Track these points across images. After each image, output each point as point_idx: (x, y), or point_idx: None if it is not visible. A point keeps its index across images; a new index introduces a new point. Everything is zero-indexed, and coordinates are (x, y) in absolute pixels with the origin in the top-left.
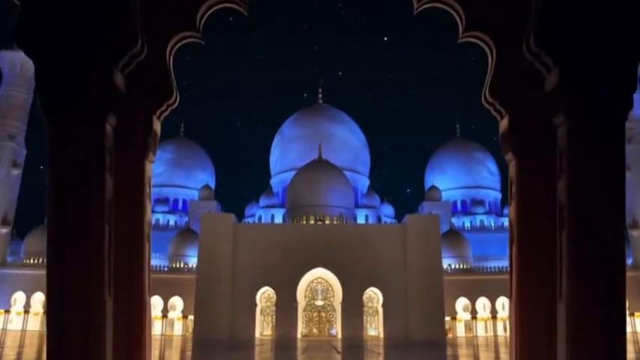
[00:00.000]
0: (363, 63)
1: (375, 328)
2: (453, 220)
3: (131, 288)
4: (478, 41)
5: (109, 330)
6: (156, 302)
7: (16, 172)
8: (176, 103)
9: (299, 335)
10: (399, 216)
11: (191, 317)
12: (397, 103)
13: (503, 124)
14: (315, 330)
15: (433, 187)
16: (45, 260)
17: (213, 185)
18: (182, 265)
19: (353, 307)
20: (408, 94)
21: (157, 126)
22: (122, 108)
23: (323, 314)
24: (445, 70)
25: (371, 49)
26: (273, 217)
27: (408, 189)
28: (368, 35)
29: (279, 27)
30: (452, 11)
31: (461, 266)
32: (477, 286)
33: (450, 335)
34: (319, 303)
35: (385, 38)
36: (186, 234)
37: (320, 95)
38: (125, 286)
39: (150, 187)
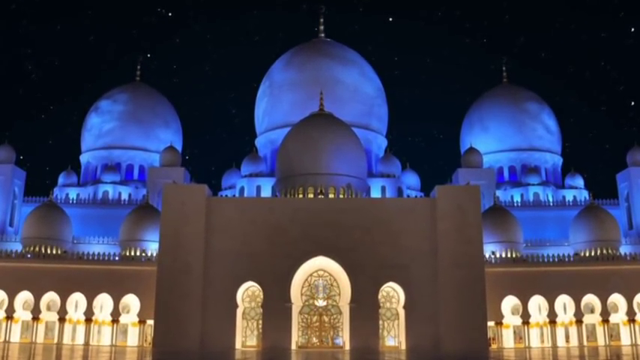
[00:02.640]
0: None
1: (394, 337)
2: (498, 193)
3: None
4: None
5: None
6: (104, 302)
7: None
8: None
9: (293, 346)
10: (426, 187)
11: (150, 322)
12: (424, 45)
13: None
14: (314, 339)
15: (472, 150)
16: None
17: (179, 147)
18: (138, 253)
19: (365, 309)
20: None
21: None
22: None
23: (325, 318)
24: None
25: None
26: (259, 189)
27: (439, 152)
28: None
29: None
30: None
31: (509, 254)
32: (529, 281)
33: (494, 346)
34: (320, 303)
35: (390, 19)
36: (143, 212)
37: (321, 27)
38: None
39: None
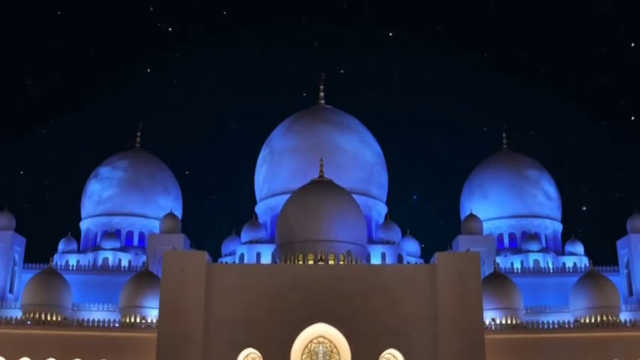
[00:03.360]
0: (368, 60)
1: None
2: (498, 259)
3: None
4: None
5: None
6: None
7: None
8: None
9: None
10: (426, 254)
11: None
12: (422, 107)
13: None
14: None
15: (472, 216)
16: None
17: (179, 214)
18: (138, 320)
19: None
20: (437, 97)
21: None
22: None
23: None
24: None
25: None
26: (259, 255)
27: (439, 218)
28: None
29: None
30: None
31: (509, 321)
32: (530, 347)
33: None
34: None
35: (390, 34)
36: (143, 278)
37: (322, 94)
38: None
39: None
